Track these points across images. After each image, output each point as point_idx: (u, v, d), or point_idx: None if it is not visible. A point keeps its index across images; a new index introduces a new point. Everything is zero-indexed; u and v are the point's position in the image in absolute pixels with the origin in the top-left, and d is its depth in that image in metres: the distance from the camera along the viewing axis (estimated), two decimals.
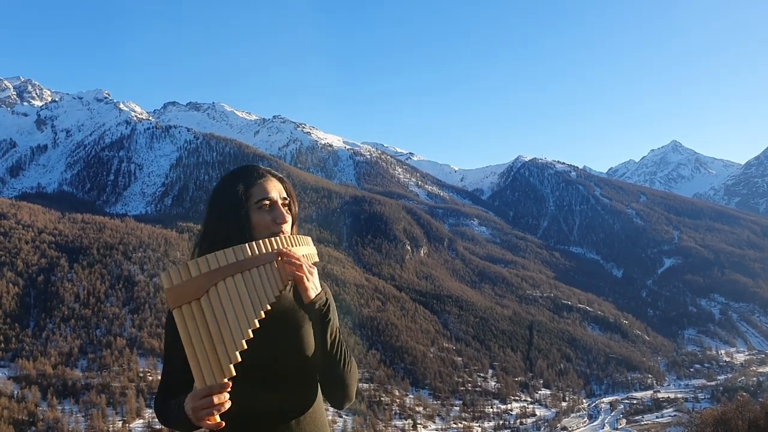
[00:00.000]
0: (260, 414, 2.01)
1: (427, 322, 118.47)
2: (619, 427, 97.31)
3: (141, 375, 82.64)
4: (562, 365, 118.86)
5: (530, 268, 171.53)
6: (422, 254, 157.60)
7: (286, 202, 2.14)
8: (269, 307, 1.92)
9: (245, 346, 1.83)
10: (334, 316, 2.10)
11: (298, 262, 1.99)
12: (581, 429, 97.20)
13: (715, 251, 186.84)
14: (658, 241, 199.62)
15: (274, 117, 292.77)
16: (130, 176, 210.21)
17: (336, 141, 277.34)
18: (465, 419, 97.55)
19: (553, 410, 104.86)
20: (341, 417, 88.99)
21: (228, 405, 1.80)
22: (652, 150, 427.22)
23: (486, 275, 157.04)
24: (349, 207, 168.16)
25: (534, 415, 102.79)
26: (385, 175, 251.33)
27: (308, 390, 2.10)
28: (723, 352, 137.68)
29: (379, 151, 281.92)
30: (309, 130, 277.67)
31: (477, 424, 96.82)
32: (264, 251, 1.96)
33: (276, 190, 2.12)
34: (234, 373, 1.81)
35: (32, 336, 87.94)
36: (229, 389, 1.80)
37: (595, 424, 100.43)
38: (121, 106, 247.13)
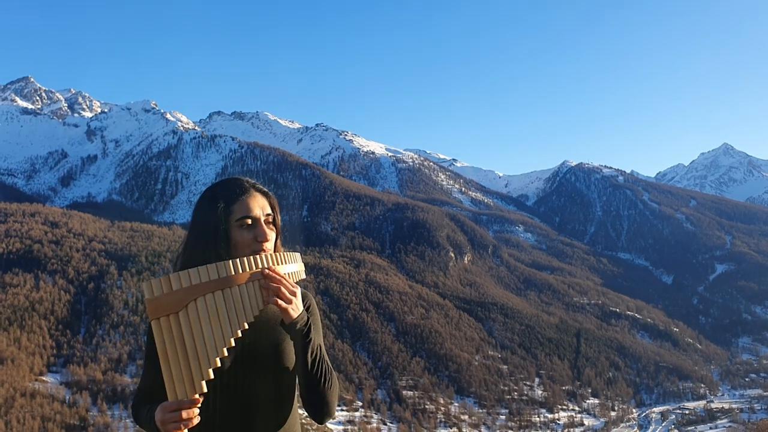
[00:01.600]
0: (231, 429, 2.02)
1: (472, 330, 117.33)
2: None
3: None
4: (610, 374, 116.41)
5: (577, 275, 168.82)
6: (466, 261, 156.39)
7: (270, 218, 2.10)
8: (246, 327, 1.91)
9: (219, 364, 1.85)
10: (316, 334, 2.08)
11: (277, 285, 1.95)
12: None
13: None
14: (710, 246, 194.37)
15: (316, 125, 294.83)
16: (177, 185, 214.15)
17: (378, 148, 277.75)
18: (511, 428, 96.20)
19: (602, 420, 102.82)
20: (386, 425, 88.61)
21: (197, 420, 1.82)
22: (702, 153, 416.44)
23: (531, 282, 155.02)
24: (392, 214, 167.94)
25: (582, 424, 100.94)
26: (428, 182, 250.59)
27: (282, 404, 2.12)
28: None
29: (422, 158, 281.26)
30: (351, 138, 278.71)
31: None
32: (246, 270, 1.94)
33: (259, 206, 2.08)
34: (205, 390, 1.83)
35: (83, 342, 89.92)
36: (198, 405, 1.82)
37: None
38: (168, 116, 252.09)
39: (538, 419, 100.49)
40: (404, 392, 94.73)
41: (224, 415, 1.98)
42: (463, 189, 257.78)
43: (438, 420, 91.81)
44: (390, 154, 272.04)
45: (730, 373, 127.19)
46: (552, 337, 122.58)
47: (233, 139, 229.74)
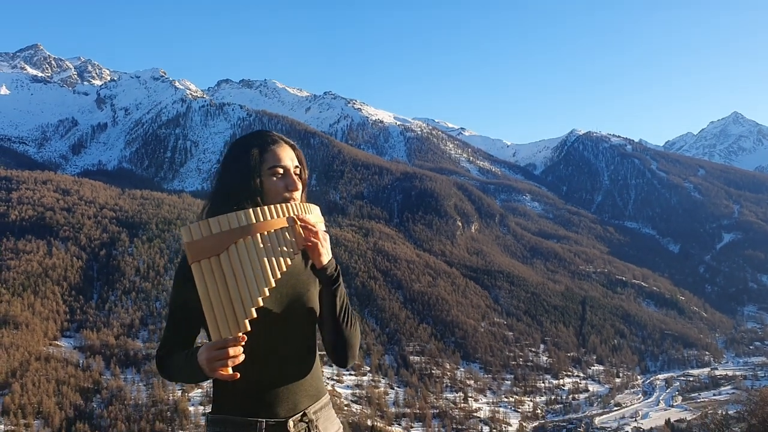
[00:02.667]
0: (264, 370, 2.08)
1: (478, 297, 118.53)
2: (675, 404, 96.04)
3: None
4: (615, 341, 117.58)
5: (583, 244, 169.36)
6: (473, 230, 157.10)
7: (298, 170, 2.17)
8: (285, 269, 1.98)
9: (261, 304, 1.90)
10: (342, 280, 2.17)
11: (314, 228, 2.05)
12: (635, 405, 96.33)
13: None
14: (717, 215, 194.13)
15: (325, 93, 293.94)
16: (186, 153, 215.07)
17: (387, 117, 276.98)
18: (516, 393, 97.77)
19: (607, 386, 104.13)
20: (393, 389, 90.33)
21: (241, 358, 1.87)
22: (712, 122, 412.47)
23: (538, 251, 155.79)
24: (400, 183, 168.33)
25: (587, 390, 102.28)
26: (436, 151, 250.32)
27: (309, 348, 2.18)
28: None
29: (430, 127, 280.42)
30: (360, 107, 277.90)
31: (528, 399, 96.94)
32: (281, 215, 2.01)
33: (289, 157, 2.14)
34: (249, 329, 1.87)
35: (95, 308, 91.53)
36: (243, 343, 1.86)
37: (649, 400, 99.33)
38: (177, 84, 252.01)
39: (542, 385, 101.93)
40: (411, 358, 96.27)
41: (260, 357, 2.04)
42: (471, 158, 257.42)
43: (444, 385, 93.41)
44: (398, 122, 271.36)
45: (734, 341, 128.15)
46: (557, 305, 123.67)
47: (241, 107, 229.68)
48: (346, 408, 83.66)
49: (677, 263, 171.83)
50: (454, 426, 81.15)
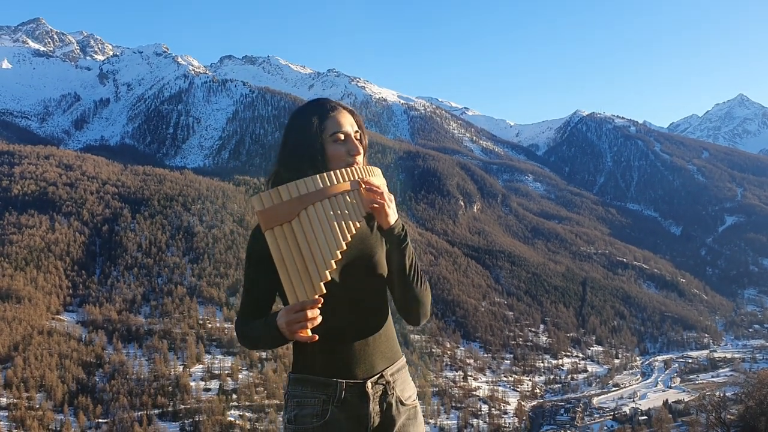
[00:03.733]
0: (340, 332, 2.13)
1: (479, 277, 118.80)
2: (673, 385, 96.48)
3: (201, 322, 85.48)
4: (615, 322, 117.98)
5: (585, 225, 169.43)
6: (475, 210, 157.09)
7: (358, 134, 2.21)
8: (355, 231, 2.04)
9: (335, 266, 1.95)
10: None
11: (379, 190, 2.10)
12: (633, 386, 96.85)
13: None
14: (720, 198, 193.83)
15: (328, 71, 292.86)
16: (189, 129, 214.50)
17: (390, 95, 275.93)
18: (516, 373, 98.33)
19: (606, 367, 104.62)
20: None
21: (319, 320, 1.91)
22: (717, 104, 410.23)
23: (539, 231, 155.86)
24: (403, 162, 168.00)
25: (585, 371, 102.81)
26: (439, 131, 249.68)
27: (381, 310, 2.22)
28: None
29: (434, 106, 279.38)
30: (363, 84, 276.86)
31: (527, 378, 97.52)
32: (346, 180, 2.07)
33: (348, 123, 2.18)
34: (324, 291, 1.92)
35: (98, 283, 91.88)
36: (320, 305, 1.91)
37: (648, 381, 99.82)
38: (179, 60, 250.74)
39: (542, 365, 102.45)
40: (411, 336, 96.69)
41: (336, 319, 2.09)
42: (474, 138, 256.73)
43: (444, 363, 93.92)
44: (402, 101, 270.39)
45: (734, 323, 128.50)
46: (558, 285, 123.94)
47: (244, 84, 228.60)
48: None
49: (679, 245, 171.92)
50: (454, 404, 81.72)
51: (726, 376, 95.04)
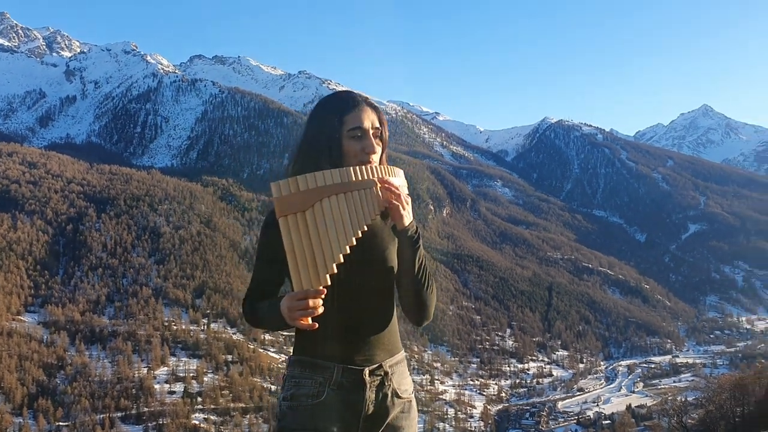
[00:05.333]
0: (345, 320, 2.16)
1: (447, 281, 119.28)
2: (636, 390, 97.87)
3: (166, 324, 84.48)
4: (580, 327, 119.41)
5: (552, 230, 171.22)
6: (445, 214, 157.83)
7: (378, 132, 2.21)
8: (366, 228, 2.05)
9: (342, 260, 1.98)
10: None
11: (396, 190, 2.10)
12: (597, 390, 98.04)
13: (741, 218, 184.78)
14: (684, 206, 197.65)
15: (299, 72, 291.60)
16: (157, 129, 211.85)
17: None
18: (482, 376, 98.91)
19: (570, 371, 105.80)
20: None
21: (321, 310, 1.94)
22: (682, 114, 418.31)
23: (507, 236, 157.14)
24: None
25: (551, 375, 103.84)
26: (410, 135, 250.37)
27: (387, 303, 2.24)
28: (744, 319, 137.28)
29: (405, 110, 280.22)
30: (335, 86, 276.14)
31: (494, 382, 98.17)
32: (365, 177, 2.08)
33: (369, 119, 2.17)
34: (329, 283, 1.95)
35: (61, 283, 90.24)
36: (323, 296, 1.94)
37: (611, 386, 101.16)
38: (148, 58, 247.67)
39: (508, 368, 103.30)
40: None
41: (340, 309, 2.12)
42: (445, 143, 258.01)
43: (411, 367, 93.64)
44: None
45: (696, 329, 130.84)
46: (525, 290, 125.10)
47: (214, 84, 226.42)
48: None
49: (643, 252, 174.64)
50: (420, 408, 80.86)
51: (687, 381, 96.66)
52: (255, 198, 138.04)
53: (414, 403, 2.35)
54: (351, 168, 2.07)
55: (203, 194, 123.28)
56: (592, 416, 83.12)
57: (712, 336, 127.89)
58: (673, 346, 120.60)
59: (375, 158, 2.19)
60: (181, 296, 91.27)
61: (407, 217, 2.14)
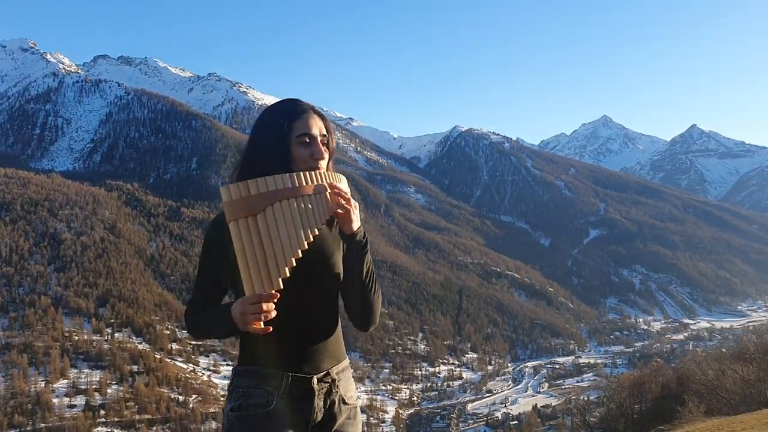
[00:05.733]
0: (291, 328, 2.14)
1: None
2: (542, 390, 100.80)
3: (66, 335, 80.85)
4: (489, 330, 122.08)
5: (462, 235, 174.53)
6: None
7: (325, 139, 2.23)
8: (317, 232, 2.07)
9: (294, 264, 1.98)
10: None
11: (346, 195, 2.15)
12: (505, 392, 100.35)
13: (638, 223, 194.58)
14: (585, 212, 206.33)
15: (209, 75, 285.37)
16: (57, 131, 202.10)
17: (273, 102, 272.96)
18: (394, 381, 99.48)
19: (479, 373, 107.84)
20: None
21: (273, 314, 1.94)
22: (584, 124, 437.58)
23: (420, 241, 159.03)
24: None
25: (461, 378, 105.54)
26: None
27: (333, 310, 2.25)
28: (641, 320, 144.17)
29: None
30: (246, 90, 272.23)
31: (405, 386, 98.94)
32: (314, 182, 2.10)
33: (317, 126, 2.20)
34: (282, 286, 1.94)
35: None
36: (275, 300, 1.94)
37: (518, 387, 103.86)
38: (49, 57, 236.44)
39: (419, 373, 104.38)
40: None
41: (288, 318, 2.09)
42: (359, 148, 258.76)
43: None
44: None
45: (597, 330, 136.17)
46: (436, 294, 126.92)
47: (119, 85, 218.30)
48: (222, 399, 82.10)
49: (547, 256, 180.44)
50: None
51: (589, 380, 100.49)
52: (162, 203, 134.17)
53: (358, 409, 2.35)
54: (301, 173, 2.08)
55: (107, 199, 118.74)
56: (500, 417, 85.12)
57: (612, 337, 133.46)
58: (576, 347, 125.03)
59: (323, 164, 2.21)
60: (83, 305, 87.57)
61: (356, 221, 2.17)
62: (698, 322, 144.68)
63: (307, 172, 2.11)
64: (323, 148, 2.21)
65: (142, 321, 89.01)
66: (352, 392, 2.32)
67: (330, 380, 2.23)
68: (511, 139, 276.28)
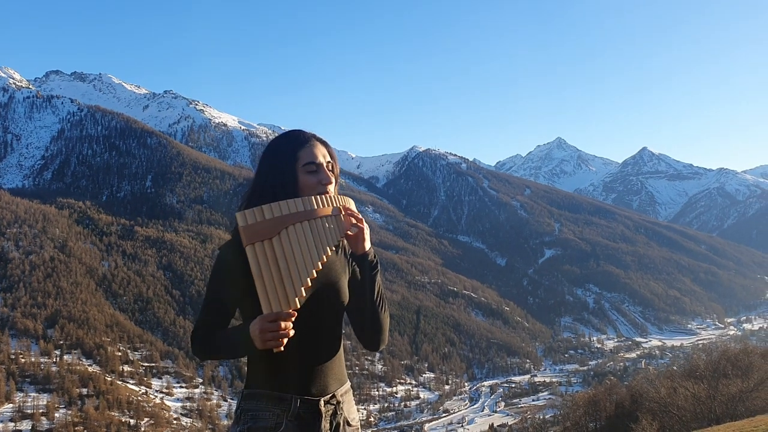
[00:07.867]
0: (299, 351, 2.19)
1: None
2: (498, 409, 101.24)
3: (12, 357, 78.29)
4: (446, 349, 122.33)
5: (420, 255, 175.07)
6: None
7: (330, 165, 2.31)
8: (330, 253, 2.17)
9: (310, 284, 2.08)
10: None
11: (359, 215, 2.26)
12: (462, 411, 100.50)
13: (591, 243, 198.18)
14: (540, 232, 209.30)
15: (165, 92, 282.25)
16: (6, 147, 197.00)
17: (231, 120, 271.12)
18: None
19: (437, 393, 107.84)
20: (226, 401, 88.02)
21: (292, 333, 2.00)
22: (539, 146, 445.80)
23: (378, 261, 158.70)
24: (243, 189, 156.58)
25: (418, 397, 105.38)
26: None
27: (338, 333, 2.32)
28: (595, 338, 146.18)
29: (276, 133, 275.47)
30: (202, 108, 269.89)
31: (363, 407, 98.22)
32: (326, 205, 2.20)
33: (321, 153, 2.29)
34: (299, 306, 2.03)
35: None
36: (293, 319, 2.01)
37: (475, 406, 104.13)
38: None
39: (377, 393, 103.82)
40: (245, 369, 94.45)
41: (297, 341, 2.11)
42: None
43: None
44: (243, 127, 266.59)
45: (552, 349, 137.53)
46: (394, 314, 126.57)
47: (72, 101, 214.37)
48: (175, 422, 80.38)
49: (504, 276, 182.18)
50: None
51: (545, 399, 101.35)
52: (114, 221, 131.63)
53: (360, 430, 2.40)
54: (314, 197, 2.18)
55: (58, 217, 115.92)
56: None
57: (566, 355, 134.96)
58: (532, 366, 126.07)
59: (331, 189, 2.28)
60: (30, 326, 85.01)
61: (368, 242, 2.29)
62: (650, 341, 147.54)
63: (319, 196, 2.20)
64: (330, 174, 2.28)
65: (93, 342, 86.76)
66: (355, 414, 2.37)
67: (335, 402, 2.27)
68: (468, 159, 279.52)
